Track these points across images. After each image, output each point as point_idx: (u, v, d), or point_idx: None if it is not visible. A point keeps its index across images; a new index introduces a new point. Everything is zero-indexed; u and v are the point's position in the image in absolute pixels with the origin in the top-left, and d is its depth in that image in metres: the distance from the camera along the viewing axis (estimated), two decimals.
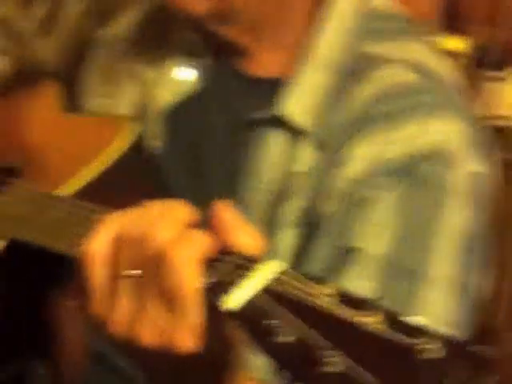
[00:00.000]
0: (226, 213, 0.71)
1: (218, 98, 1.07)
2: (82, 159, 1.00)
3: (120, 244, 0.71)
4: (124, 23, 1.15)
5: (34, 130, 1.15)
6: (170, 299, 0.67)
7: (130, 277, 0.70)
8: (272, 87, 1.04)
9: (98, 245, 0.72)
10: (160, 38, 1.11)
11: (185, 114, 1.08)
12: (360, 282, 0.94)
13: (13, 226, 0.93)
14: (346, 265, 0.95)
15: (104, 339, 0.76)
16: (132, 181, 1.02)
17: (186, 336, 0.68)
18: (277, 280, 0.65)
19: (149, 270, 0.68)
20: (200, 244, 0.69)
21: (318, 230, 0.98)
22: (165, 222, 0.69)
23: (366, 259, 0.95)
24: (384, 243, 0.95)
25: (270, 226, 1.01)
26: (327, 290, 0.63)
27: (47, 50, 1.27)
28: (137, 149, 1.03)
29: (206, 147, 1.07)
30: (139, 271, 0.69)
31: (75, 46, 1.22)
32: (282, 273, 0.65)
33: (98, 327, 0.73)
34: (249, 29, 1.04)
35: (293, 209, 1.00)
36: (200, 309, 0.67)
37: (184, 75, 1.08)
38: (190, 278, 0.66)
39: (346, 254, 0.96)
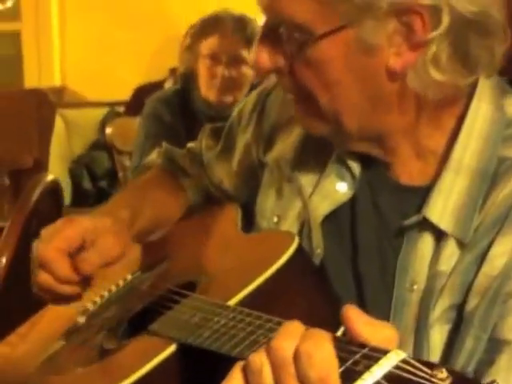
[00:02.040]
0: (354, 311, 0.80)
1: (368, 204, 1.17)
2: (249, 273, 1.11)
3: None
4: (286, 146, 1.27)
5: (212, 247, 1.29)
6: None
7: None
8: (416, 193, 1.13)
9: None
10: (316, 155, 1.22)
11: (340, 220, 1.19)
12: (510, 372, 0.99)
13: (183, 331, 1.06)
14: (494, 356, 1.01)
15: None
16: (295, 287, 1.12)
17: None
18: (396, 367, 0.73)
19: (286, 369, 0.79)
20: (323, 335, 0.79)
21: (464, 325, 1.04)
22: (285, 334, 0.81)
23: None
24: None
25: (420, 322, 1.08)
26: (440, 373, 0.70)
27: (226, 175, 1.41)
28: (299, 258, 1.14)
29: (360, 250, 1.16)
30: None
31: (248, 170, 1.36)
32: (402, 361, 0.74)
33: None
34: (374, 142, 1.14)
35: (440, 306, 1.07)
36: None
37: (338, 186, 1.19)
38: (321, 363, 0.76)
39: (493, 346, 1.02)
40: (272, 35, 1.08)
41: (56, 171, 4.55)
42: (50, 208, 2.11)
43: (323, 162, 1.21)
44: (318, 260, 1.18)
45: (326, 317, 0.99)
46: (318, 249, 1.18)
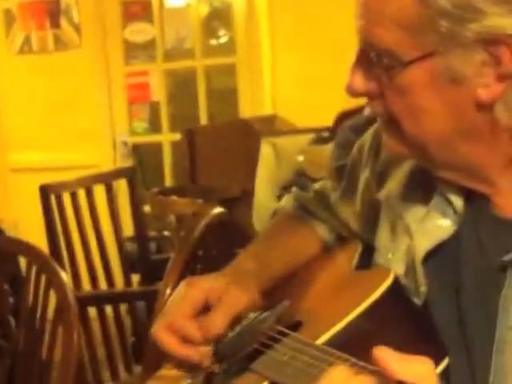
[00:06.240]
0: (384, 350, 0.80)
1: (472, 240, 1.14)
2: (342, 311, 1.12)
3: None
4: (395, 183, 1.27)
5: (322, 286, 1.31)
6: None
7: None
8: None
9: None
10: (421, 192, 1.21)
11: (444, 257, 1.17)
12: None
13: (274, 369, 1.09)
14: None
15: None
16: (387, 326, 1.11)
17: None
18: None
19: None
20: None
21: None
22: None
23: None
24: None
25: None
26: None
27: (351, 215, 1.42)
28: (393, 296, 1.13)
29: (463, 287, 1.14)
30: None
31: (370, 208, 1.36)
32: None
33: None
34: (463, 173, 1.13)
35: None
36: None
37: (441, 222, 1.17)
38: None
39: None
40: (365, 59, 1.09)
41: (263, 198, 4.67)
42: (218, 239, 2.19)
43: (427, 199, 1.20)
44: (422, 298, 1.17)
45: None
46: (422, 287, 1.17)
